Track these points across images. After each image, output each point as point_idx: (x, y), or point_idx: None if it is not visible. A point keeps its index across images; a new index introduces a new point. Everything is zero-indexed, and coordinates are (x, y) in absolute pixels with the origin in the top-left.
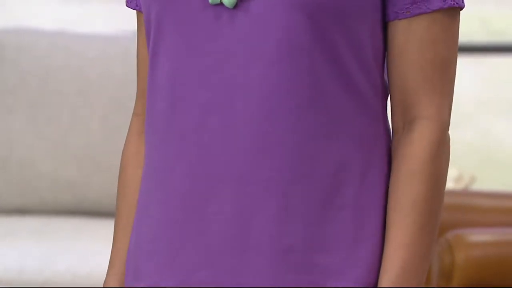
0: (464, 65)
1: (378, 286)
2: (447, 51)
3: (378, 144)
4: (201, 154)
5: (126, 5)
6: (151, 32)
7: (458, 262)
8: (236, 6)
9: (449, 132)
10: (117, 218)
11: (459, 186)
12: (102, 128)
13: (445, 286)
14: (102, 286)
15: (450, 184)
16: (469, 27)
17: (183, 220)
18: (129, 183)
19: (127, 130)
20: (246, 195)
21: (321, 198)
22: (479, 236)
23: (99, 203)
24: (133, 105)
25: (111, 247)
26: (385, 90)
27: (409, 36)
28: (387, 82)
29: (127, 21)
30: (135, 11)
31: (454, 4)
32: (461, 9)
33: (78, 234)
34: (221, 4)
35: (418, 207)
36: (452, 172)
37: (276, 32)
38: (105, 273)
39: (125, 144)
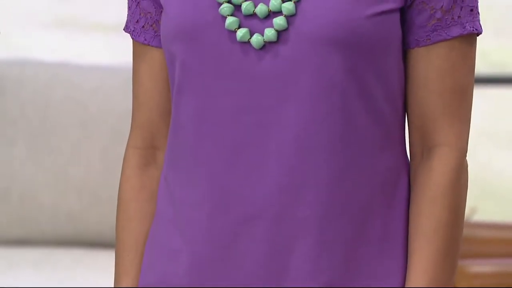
0: None
1: None
2: (465, 77)
3: (401, 173)
4: (231, 192)
5: (133, 38)
6: (176, 69)
7: None
8: (263, 47)
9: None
10: (121, 252)
11: None
12: (103, 160)
13: None
14: None
15: None
16: None
17: (215, 256)
18: (135, 217)
19: None
20: (281, 234)
21: (354, 231)
22: (480, 267)
23: (99, 234)
24: None
25: (111, 278)
26: (405, 118)
27: (429, 63)
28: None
29: (129, 52)
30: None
31: (473, 30)
32: (478, 35)
33: (79, 265)
34: (249, 43)
35: (440, 234)
36: None
37: (308, 72)
38: None
39: (123, 178)
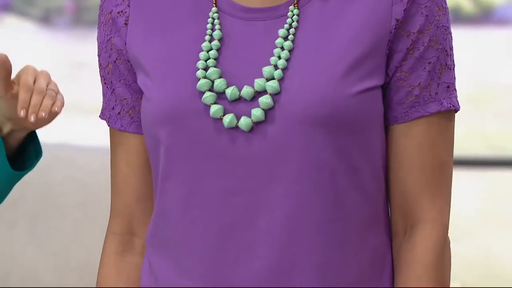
0: (465, 179)
1: None
2: (444, 153)
3: (386, 251)
4: (221, 275)
5: (109, 125)
6: (160, 155)
7: None
8: (252, 129)
9: (451, 246)
10: None
11: None
12: (103, 241)
13: None
14: None
15: None
16: (469, 142)
17: None
18: None
19: None
20: None
21: None
22: None
23: None
24: None
25: None
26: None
27: (408, 140)
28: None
29: None
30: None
31: (450, 106)
32: (457, 112)
33: None
34: (237, 127)
35: None
36: (454, 285)
37: (296, 151)
38: None
39: (101, 265)
